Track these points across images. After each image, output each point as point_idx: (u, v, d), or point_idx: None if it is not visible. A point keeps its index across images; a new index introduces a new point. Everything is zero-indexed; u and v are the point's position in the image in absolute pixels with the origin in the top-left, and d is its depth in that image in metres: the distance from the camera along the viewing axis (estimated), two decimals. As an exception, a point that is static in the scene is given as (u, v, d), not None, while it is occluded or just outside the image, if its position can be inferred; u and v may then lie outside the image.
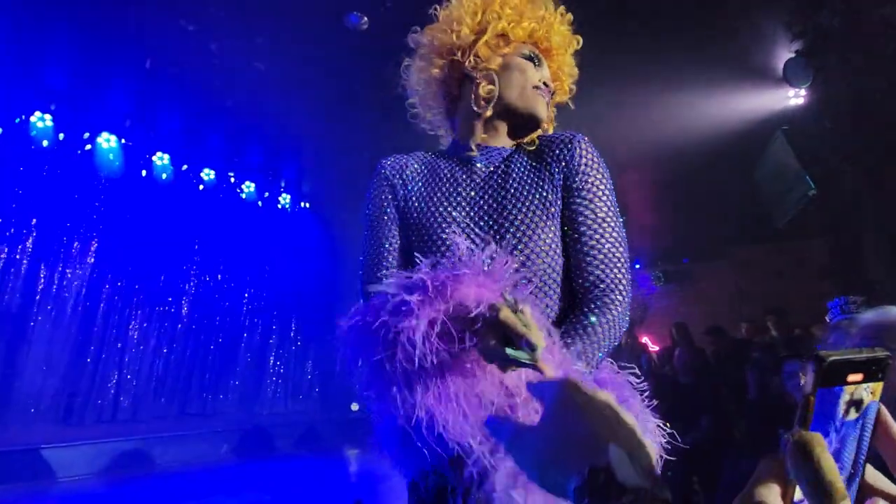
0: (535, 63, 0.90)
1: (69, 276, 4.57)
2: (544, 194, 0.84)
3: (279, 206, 6.05)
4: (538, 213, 0.83)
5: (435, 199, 0.89)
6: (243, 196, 5.72)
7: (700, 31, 3.06)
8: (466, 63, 0.88)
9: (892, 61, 2.48)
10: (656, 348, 6.77)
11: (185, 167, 5.30)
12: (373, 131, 4.77)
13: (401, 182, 0.93)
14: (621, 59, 3.25)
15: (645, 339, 6.78)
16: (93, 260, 4.70)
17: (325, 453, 4.84)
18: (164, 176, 5.16)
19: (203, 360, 5.29)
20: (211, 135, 5.18)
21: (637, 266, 9.38)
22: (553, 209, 0.84)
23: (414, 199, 0.90)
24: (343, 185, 6.02)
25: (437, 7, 0.93)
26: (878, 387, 0.35)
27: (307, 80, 3.85)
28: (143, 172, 5.07)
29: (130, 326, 4.88)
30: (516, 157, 0.90)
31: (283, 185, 6.00)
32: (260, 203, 5.87)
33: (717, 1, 2.90)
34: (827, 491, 0.31)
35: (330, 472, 4.21)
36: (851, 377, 0.34)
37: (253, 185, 5.74)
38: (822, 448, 0.33)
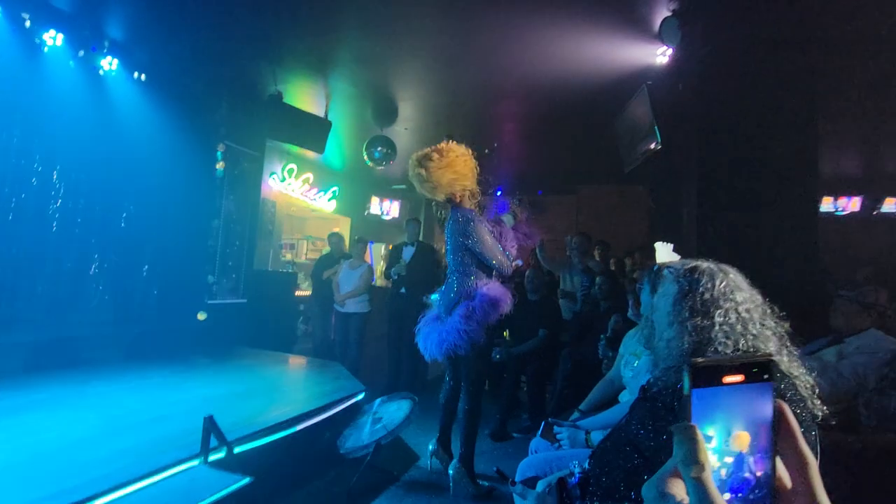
0: None
1: None
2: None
3: (101, 71, 4.77)
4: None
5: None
6: (45, 50, 4.34)
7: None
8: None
9: (747, 46, 2.87)
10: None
11: (-57, -9, 3.74)
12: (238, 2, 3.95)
13: None
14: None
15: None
16: None
17: (165, 367, 4.36)
18: None
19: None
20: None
21: (499, 193, 10.06)
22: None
23: None
24: (193, 59, 4.99)
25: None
26: (744, 441, 0.40)
27: None
28: None
29: None
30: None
31: (107, 44, 4.70)
32: (72, 63, 4.54)
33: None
34: (692, 462, 0.38)
35: (173, 390, 3.70)
36: (728, 378, 0.40)
37: (61, 36, 4.36)
38: (696, 434, 0.39)
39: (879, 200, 8.29)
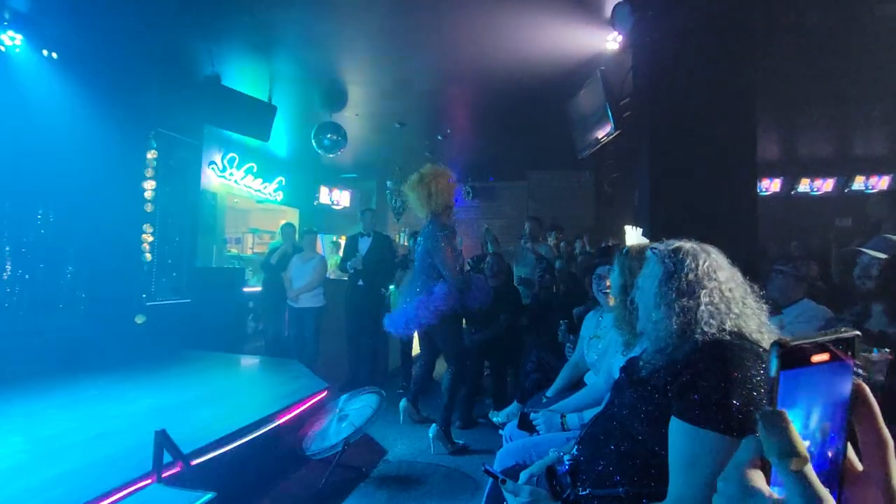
0: None
1: None
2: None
3: (2, 48, 4.19)
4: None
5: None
6: (-71, 21, 3.74)
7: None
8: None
9: (694, 33, 2.96)
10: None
11: None
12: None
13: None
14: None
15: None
16: None
17: (101, 378, 3.94)
18: None
19: None
20: None
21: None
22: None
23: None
24: (114, 35, 4.50)
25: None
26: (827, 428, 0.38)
27: None
28: None
29: None
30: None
31: (7, 17, 4.12)
32: (-36, 38, 3.95)
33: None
34: (792, 454, 0.35)
35: (113, 402, 3.30)
36: (816, 357, 0.37)
37: (-52, 6, 3.77)
38: (787, 421, 0.36)
39: (796, 181, 9.07)
